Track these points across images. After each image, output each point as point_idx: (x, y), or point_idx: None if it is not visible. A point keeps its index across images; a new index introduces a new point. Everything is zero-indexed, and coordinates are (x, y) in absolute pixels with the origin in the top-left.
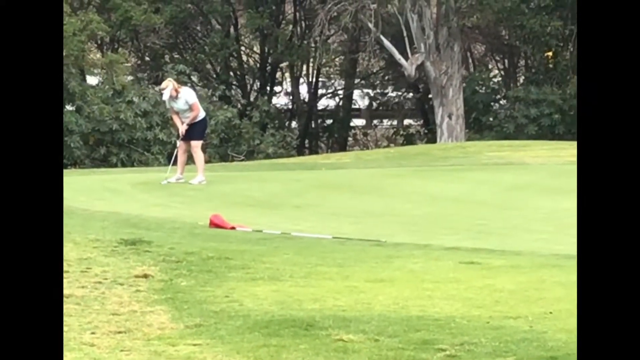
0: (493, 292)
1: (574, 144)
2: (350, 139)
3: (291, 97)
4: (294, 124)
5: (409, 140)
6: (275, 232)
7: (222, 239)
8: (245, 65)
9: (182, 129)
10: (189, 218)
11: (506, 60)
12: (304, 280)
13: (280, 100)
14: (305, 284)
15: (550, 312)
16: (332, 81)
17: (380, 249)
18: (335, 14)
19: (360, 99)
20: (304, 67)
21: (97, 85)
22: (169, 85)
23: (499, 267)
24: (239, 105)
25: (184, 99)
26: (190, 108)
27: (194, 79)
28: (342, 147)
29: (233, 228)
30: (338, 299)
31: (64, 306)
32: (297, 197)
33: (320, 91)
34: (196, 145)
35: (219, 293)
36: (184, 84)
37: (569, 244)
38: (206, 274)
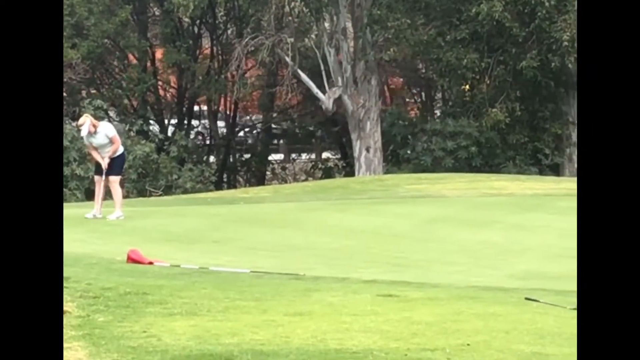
0: (411, 324)
1: (491, 176)
2: (268, 173)
3: (209, 132)
4: (212, 158)
5: (327, 173)
6: (193, 266)
7: (139, 274)
8: (163, 100)
9: (105, 163)
10: (106, 254)
11: (423, 93)
12: (222, 314)
13: (198, 135)
14: (223, 319)
15: (468, 344)
16: (250, 115)
17: (298, 282)
18: (252, 48)
19: (278, 133)
20: (222, 102)
21: None
22: (86, 121)
23: (416, 299)
24: (157, 140)
25: (103, 133)
26: (111, 141)
27: (112, 114)
28: (261, 181)
29: (151, 263)
30: (256, 333)
31: None
32: (216, 232)
33: (238, 125)
34: (115, 180)
35: (136, 328)
36: (101, 119)
37: (486, 275)
38: (124, 310)
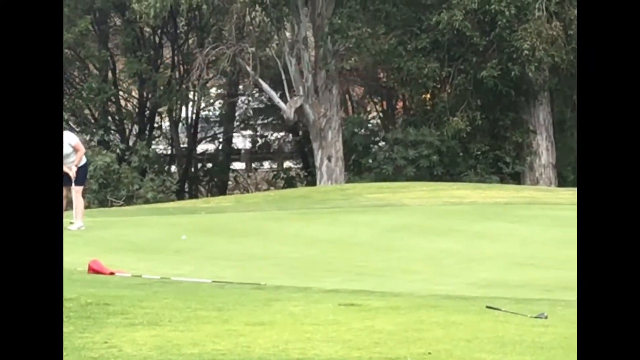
0: (372, 333)
1: (452, 184)
2: (230, 182)
3: (170, 142)
4: (173, 168)
5: (289, 183)
6: (155, 277)
7: (100, 284)
8: (124, 110)
9: (72, 173)
10: (67, 264)
11: (384, 102)
12: (183, 324)
13: (160, 145)
14: (185, 329)
15: (429, 353)
16: (212, 125)
17: (260, 292)
18: (213, 57)
19: (240, 142)
20: (183, 111)
21: None
22: None
23: (378, 308)
24: (118, 150)
25: (66, 143)
26: (75, 149)
27: (72, 124)
28: (222, 190)
29: (112, 273)
30: (217, 342)
31: None
32: (177, 242)
33: (199, 135)
34: (77, 190)
35: (97, 339)
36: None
37: (447, 284)
38: (85, 320)
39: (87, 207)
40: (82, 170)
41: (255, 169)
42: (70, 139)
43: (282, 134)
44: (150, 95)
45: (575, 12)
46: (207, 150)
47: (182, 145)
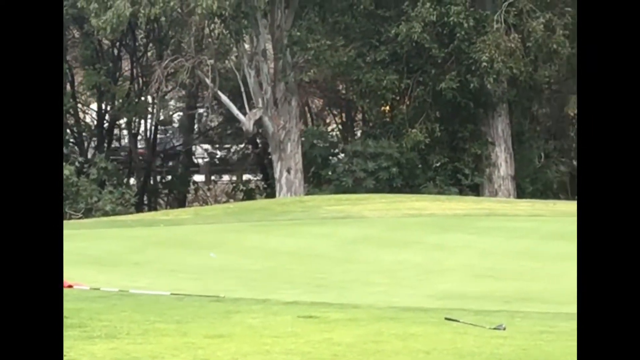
0: (331, 345)
1: (412, 196)
2: (189, 195)
3: (129, 154)
4: (132, 180)
5: (249, 195)
6: (113, 289)
7: None
8: (82, 122)
9: None
10: None
11: (344, 114)
12: (141, 337)
13: (118, 157)
14: (143, 341)
15: None
16: (171, 137)
17: (219, 304)
18: (172, 70)
19: (199, 155)
20: (142, 124)
21: None
22: None
23: (337, 320)
24: (77, 163)
25: None
26: None
27: None
28: (182, 203)
29: (70, 286)
30: (176, 355)
31: None
32: (136, 254)
33: (158, 147)
34: None
35: None
36: None
37: (406, 295)
38: None
39: None
40: None
41: (215, 181)
42: None
43: (241, 146)
44: (109, 108)
45: (534, 24)
46: (166, 162)
47: (141, 158)
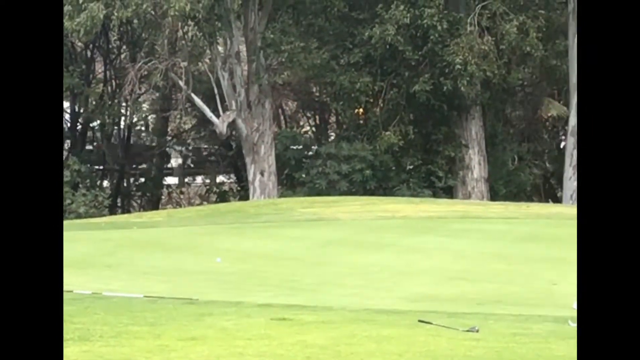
0: (305, 347)
1: (385, 199)
2: (163, 197)
3: (103, 156)
4: (105, 183)
5: (222, 197)
6: (86, 292)
7: None
8: None
9: None
10: None
11: (317, 117)
12: (114, 340)
13: (92, 160)
14: (116, 344)
15: None
16: (144, 139)
17: (192, 307)
18: (145, 72)
19: (173, 157)
20: (116, 126)
21: None
22: None
23: (310, 322)
24: None
25: None
26: None
27: None
28: (155, 205)
29: None
30: (149, 358)
31: None
32: (109, 257)
33: (132, 149)
34: None
35: None
36: None
37: (379, 298)
38: None
39: None
40: None
41: (188, 184)
42: None
43: (215, 148)
44: (82, 110)
45: (507, 27)
46: (139, 165)
47: (114, 160)
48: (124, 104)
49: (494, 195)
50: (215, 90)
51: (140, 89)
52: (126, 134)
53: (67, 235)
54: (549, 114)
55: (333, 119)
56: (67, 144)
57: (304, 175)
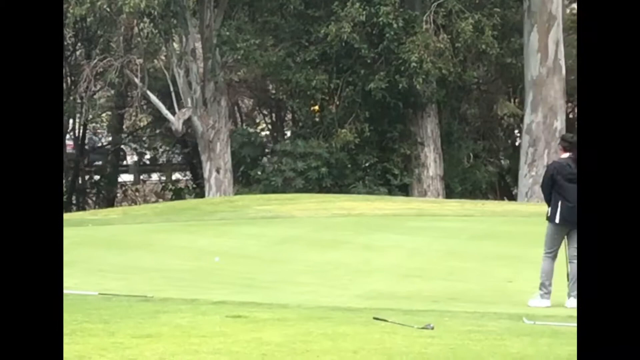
0: (260, 345)
1: (341, 196)
2: (118, 194)
3: None
4: None
5: (178, 195)
6: None
7: None
8: None
9: None
10: None
11: (273, 114)
12: (68, 337)
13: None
14: (70, 341)
15: None
16: (100, 137)
17: (147, 304)
18: (101, 69)
19: (128, 155)
20: (70, 123)
21: None
22: None
23: (265, 320)
24: None
25: None
26: None
27: None
28: (110, 203)
29: None
30: (103, 355)
31: None
32: (64, 254)
33: (87, 147)
34: None
35: None
36: None
37: (335, 295)
38: None
39: None
40: None
41: (144, 181)
42: None
43: (171, 146)
44: None
45: (463, 25)
46: (94, 162)
47: (69, 158)
48: (79, 101)
49: (450, 192)
50: (171, 88)
51: (95, 86)
52: (81, 131)
53: None
54: (505, 112)
55: (289, 116)
56: None
57: (259, 173)
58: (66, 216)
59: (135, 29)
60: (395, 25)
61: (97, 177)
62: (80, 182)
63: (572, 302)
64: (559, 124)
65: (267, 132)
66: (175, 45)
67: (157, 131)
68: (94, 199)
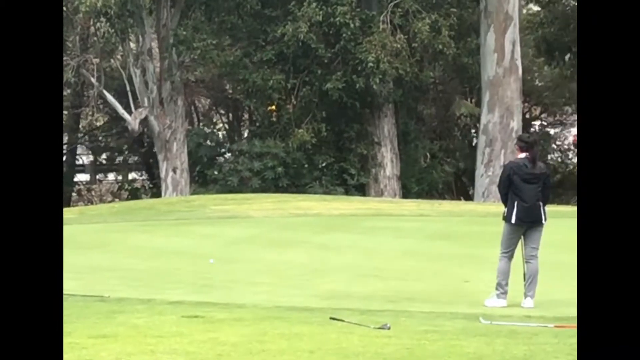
0: (216, 345)
1: (298, 196)
2: (74, 194)
3: None
4: None
5: (134, 194)
6: None
7: None
8: None
9: None
10: None
11: (230, 114)
12: None
13: None
14: None
15: None
16: None
17: (103, 304)
18: None
19: (84, 154)
20: None
21: None
22: None
23: (222, 320)
24: None
25: None
26: None
27: None
28: (66, 202)
29: None
30: None
31: None
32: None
33: None
34: None
35: None
36: None
37: (291, 295)
38: None
39: None
40: None
41: (100, 181)
42: None
43: (127, 145)
44: None
45: (419, 25)
46: None
47: None
48: None
49: (406, 192)
50: (128, 87)
51: None
52: None
53: None
54: (461, 112)
55: (246, 116)
56: None
57: (216, 173)
58: None
59: (92, 29)
60: (352, 25)
61: None
62: None
63: (529, 302)
64: (516, 124)
65: (224, 132)
66: (132, 44)
67: (114, 131)
68: None
